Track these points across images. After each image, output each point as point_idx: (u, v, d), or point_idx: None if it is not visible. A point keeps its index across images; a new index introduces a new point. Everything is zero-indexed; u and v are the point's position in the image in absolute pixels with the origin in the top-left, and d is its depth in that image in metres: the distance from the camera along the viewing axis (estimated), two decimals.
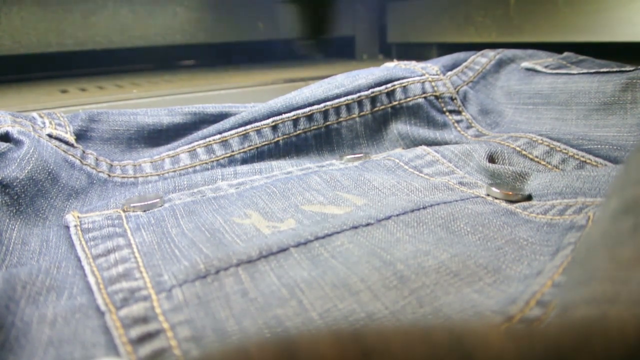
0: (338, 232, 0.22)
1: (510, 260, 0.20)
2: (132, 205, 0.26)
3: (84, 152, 0.31)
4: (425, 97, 0.37)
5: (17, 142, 0.28)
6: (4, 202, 0.24)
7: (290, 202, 0.26)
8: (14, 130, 0.28)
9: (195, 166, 0.33)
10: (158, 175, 0.32)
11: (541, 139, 0.30)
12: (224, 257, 0.20)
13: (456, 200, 0.25)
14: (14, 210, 0.25)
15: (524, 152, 0.30)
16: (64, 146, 0.30)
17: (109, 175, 0.31)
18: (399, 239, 0.21)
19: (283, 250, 0.20)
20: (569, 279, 0.13)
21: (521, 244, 0.21)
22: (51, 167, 0.28)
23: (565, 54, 0.41)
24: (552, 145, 0.30)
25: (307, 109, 0.35)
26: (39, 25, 0.59)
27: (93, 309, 0.18)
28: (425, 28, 0.73)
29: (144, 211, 0.26)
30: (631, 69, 0.33)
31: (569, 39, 0.51)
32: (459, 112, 0.38)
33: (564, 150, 0.29)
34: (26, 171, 0.26)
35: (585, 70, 0.36)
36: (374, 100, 0.37)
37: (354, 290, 0.18)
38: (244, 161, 0.33)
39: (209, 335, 0.16)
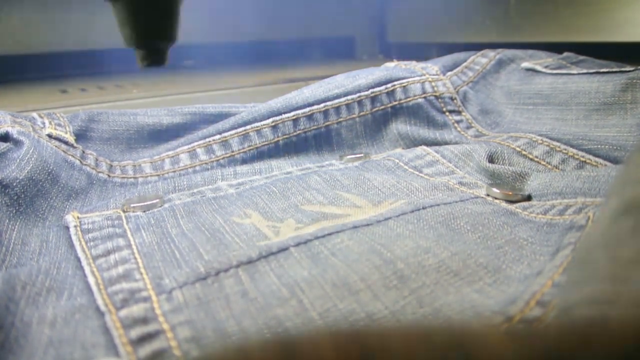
0: (338, 232, 0.22)
1: (511, 260, 0.20)
2: (132, 205, 0.26)
3: (83, 152, 0.31)
4: (425, 97, 0.37)
5: (17, 143, 0.28)
6: (3, 202, 0.24)
7: (290, 202, 0.26)
8: (13, 131, 0.28)
9: (195, 166, 0.33)
10: (158, 175, 0.32)
11: (541, 139, 0.30)
12: (224, 260, 0.20)
13: (456, 201, 0.25)
14: (14, 211, 0.25)
15: (524, 152, 0.30)
16: (63, 146, 0.30)
17: (109, 176, 0.31)
18: (400, 234, 0.21)
19: (283, 250, 0.20)
20: (569, 279, 0.13)
21: (521, 244, 0.21)
22: (51, 167, 0.28)
23: (565, 54, 0.41)
24: (552, 146, 0.30)
25: (307, 109, 0.35)
26: (39, 25, 0.59)
27: (93, 310, 0.18)
28: (425, 28, 0.73)
29: (144, 211, 0.26)
30: (631, 69, 0.33)
31: (569, 39, 0.51)
32: (459, 112, 0.38)
33: (564, 151, 0.29)
34: (26, 171, 0.26)
35: (585, 70, 0.36)
36: (374, 100, 0.37)
37: (354, 289, 0.18)
38: (244, 161, 0.33)
39: (209, 336, 0.16)
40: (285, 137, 0.34)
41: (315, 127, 0.35)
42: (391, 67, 0.40)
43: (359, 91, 0.36)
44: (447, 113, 0.37)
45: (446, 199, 0.26)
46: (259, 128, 0.34)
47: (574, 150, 0.29)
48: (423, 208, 0.24)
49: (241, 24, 0.73)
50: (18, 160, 0.26)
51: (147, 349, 0.16)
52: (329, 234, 0.22)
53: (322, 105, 0.35)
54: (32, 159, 0.27)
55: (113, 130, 0.34)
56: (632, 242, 0.11)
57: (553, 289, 0.17)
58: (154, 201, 0.27)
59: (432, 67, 0.40)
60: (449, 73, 0.40)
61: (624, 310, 0.10)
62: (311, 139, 0.35)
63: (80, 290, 0.19)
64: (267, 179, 0.30)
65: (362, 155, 0.34)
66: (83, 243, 0.22)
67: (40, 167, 0.27)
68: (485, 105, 0.39)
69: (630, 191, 0.13)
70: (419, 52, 0.75)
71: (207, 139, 0.33)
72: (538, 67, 0.39)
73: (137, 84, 0.56)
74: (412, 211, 0.24)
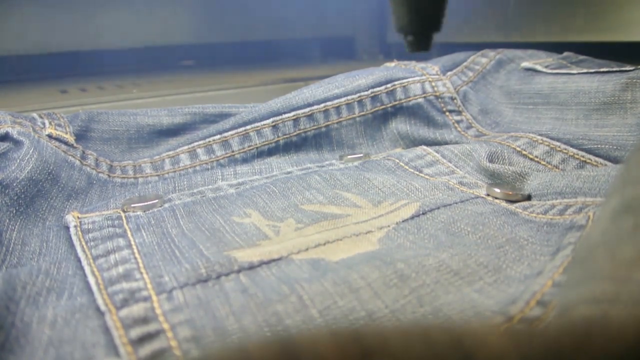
0: (340, 240, 0.22)
1: (511, 259, 0.20)
2: (132, 205, 0.26)
3: (84, 152, 0.31)
4: (425, 97, 0.37)
5: (17, 143, 0.28)
6: (3, 202, 0.24)
7: (290, 202, 0.26)
8: (13, 131, 0.28)
9: (195, 166, 0.33)
10: (158, 175, 0.32)
11: (541, 139, 0.30)
12: (225, 263, 0.20)
13: (456, 202, 0.25)
14: (14, 211, 0.25)
15: (524, 152, 0.30)
16: (63, 146, 0.30)
17: (109, 176, 0.31)
18: (400, 245, 0.22)
19: (284, 257, 0.21)
20: (569, 279, 0.13)
21: (521, 244, 0.21)
22: (51, 167, 0.28)
23: (565, 54, 0.41)
24: (552, 145, 0.30)
25: (307, 109, 0.35)
26: (39, 25, 0.59)
27: (93, 310, 0.18)
28: None
29: (144, 211, 0.26)
30: (631, 69, 0.33)
31: (569, 39, 0.51)
32: (459, 112, 0.38)
33: (564, 150, 0.29)
34: (26, 171, 0.26)
35: (585, 70, 0.36)
36: (374, 100, 0.37)
37: (355, 287, 0.18)
38: (244, 161, 0.33)
39: (209, 335, 0.16)
40: (285, 137, 0.34)
41: (315, 127, 0.35)
42: (391, 67, 0.40)
43: (359, 91, 0.36)
44: (447, 113, 0.37)
45: (446, 199, 0.26)
46: (259, 128, 0.34)
47: (574, 150, 0.29)
48: (423, 213, 0.24)
49: (241, 24, 0.73)
50: (18, 161, 0.26)
51: (147, 349, 0.16)
52: (330, 242, 0.22)
53: (322, 105, 0.35)
54: (32, 159, 0.27)
55: (113, 131, 0.34)
56: (632, 242, 0.11)
57: (553, 289, 0.17)
58: (154, 201, 0.27)
59: (432, 67, 0.40)
60: (449, 73, 0.40)
61: (624, 309, 0.10)
62: (311, 138, 0.35)
63: (80, 290, 0.19)
64: (267, 179, 0.30)
65: (362, 155, 0.34)
66: (83, 243, 0.22)
67: (40, 167, 0.27)
68: (485, 105, 0.39)
69: (631, 191, 0.13)
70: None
71: (207, 139, 0.33)
72: (538, 67, 0.39)
73: (137, 84, 0.56)
74: (412, 218, 0.24)
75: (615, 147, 0.28)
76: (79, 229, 0.23)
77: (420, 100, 0.37)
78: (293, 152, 0.35)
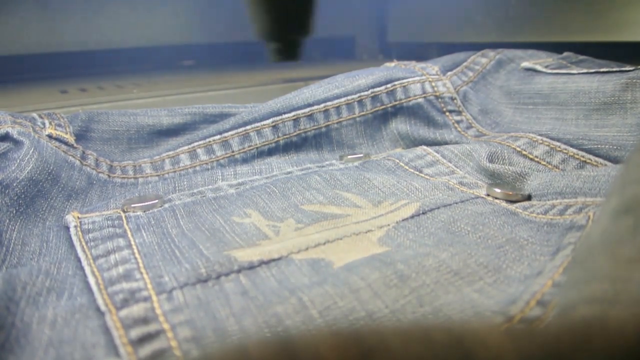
0: (340, 239, 0.22)
1: (511, 259, 0.20)
2: (132, 205, 0.26)
3: (84, 152, 0.31)
4: (425, 97, 0.37)
5: (17, 143, 0.28)
6: (4, 202, 0.24)
7: (290, 202, 0.26)
8: (13, 131, 0.28)
9: (195, 166, 0.33)
10: (158, 175, 0.32)
11: (541, 139, 0.30)
12: (225, 262, 0.20)
13: (456, 202, 0.25)
14: (14, 211, 0.25)
15: (524, 152, 0.30)
16: (64, 147, 0.30)
17: (109, 176, 0.31)
18: (400, 244, 0.22)
19: (284, 256, 0.21)
20: (569, 279, 0.13)
21: (521, 244, 0.21)
22: (51, 167, 0.28)
23: (565, 54, 0.41)
24: (552, 145, 0.30)
25: (307, 109, 0.35)
26: (39, 25, 0.59)
27: (93, 310, 0.18)
28: (425, 28, 0.73)
29: (144, 211, 0.26)
30: (631, 69, 0.33)
31: (569, 39, 0.51)
32: (459, 112, 0.38)
33: (564, 150, 0.29)
34: (26, 172, 0.26)
35: (585, 70, 0.36)
36: (374, 100, 0.37)
37: (354, 287, 0.18)
38: (244, 161, 0.33)
39: (209, 336, 0.16)
40: (285, 137, 0.34)
41: (315, 127, 0.35)
42: (391, 67, 0.40)
43: (359, 91, 0.36)
44: (447, 113, 0.37)
45: (446, 200, 0.26)
46: (259, 128, 0.34)
47: (574, 150, 0.29)
48: (423, 213, 0.24)
49: (241, 24, 0.73)
50: (18, 161, 0.26)
51: (147, 349, 0.16)
52: (330, 242, 0.22)
53: (322, 105, 0.35)
54: (32, 159, 0.27)
55: (113, 131, 0.34)
56: (632, 242, 0.11)
57: (553, 289, 0.17)
58: (154, 201, 0.27)
59: (432, 67, 0.40)
60: (449, 73, 0.40)
61: (624, 309, 0.10)
62: (311, 138, 0.35)
63: (80, 290, 0.19)
64: (267, 179, 0.30)
65: (362, 155, 0.34)
66: (83, 243, 0.22)
67: (40, 168, 0.27)
68: (485, 105, 0.39)
69: (631, 190, 0.13)
70: (419, 52, 0.75)
71: (207, 139, 0.33)
72: (538, 67, 0.39)
73: (137, 84, 0.56)
74: (412, 217, 0.24)
75: (615, 147, 0.28)
76: (79, 229, 0.23)
77: (420, 100, 0.37)
78: (293, 152, 0.35)
